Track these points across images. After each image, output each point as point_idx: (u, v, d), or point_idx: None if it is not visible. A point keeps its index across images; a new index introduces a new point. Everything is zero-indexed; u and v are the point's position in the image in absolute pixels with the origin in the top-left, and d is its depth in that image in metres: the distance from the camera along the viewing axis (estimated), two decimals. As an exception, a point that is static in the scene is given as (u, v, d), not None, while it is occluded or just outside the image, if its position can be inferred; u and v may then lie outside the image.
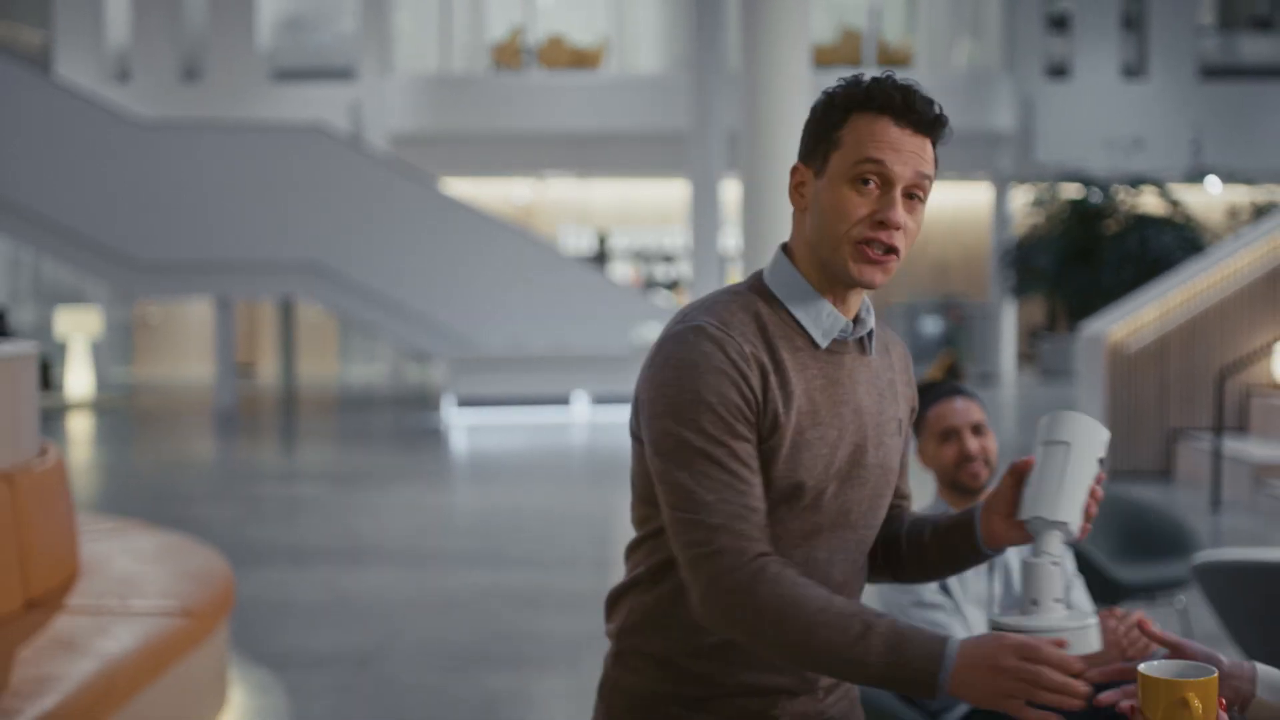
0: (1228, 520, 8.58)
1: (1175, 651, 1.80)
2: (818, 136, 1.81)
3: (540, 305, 15.73)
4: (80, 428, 14.30)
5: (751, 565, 1.70)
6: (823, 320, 1.82)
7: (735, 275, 15.84)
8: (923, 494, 3.84)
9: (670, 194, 21.01)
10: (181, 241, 15.46)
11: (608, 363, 14.80)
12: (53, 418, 14.53)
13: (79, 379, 16.63)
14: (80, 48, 19.77)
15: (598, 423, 14.27)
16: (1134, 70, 21.73)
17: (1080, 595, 3.19)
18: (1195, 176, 19.89)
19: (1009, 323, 20.37)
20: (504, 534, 8.32)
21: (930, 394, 3.20)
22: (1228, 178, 19.54)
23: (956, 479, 3.11)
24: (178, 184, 15.44)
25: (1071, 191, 18.04)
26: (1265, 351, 10.14)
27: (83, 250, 15.37)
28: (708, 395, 1.72)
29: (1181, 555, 5.00)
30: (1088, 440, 1.75)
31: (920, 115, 1.80)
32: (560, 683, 5.23)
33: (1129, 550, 5.18)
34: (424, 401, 16.68)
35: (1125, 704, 1.72)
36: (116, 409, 16.16)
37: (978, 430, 3.15)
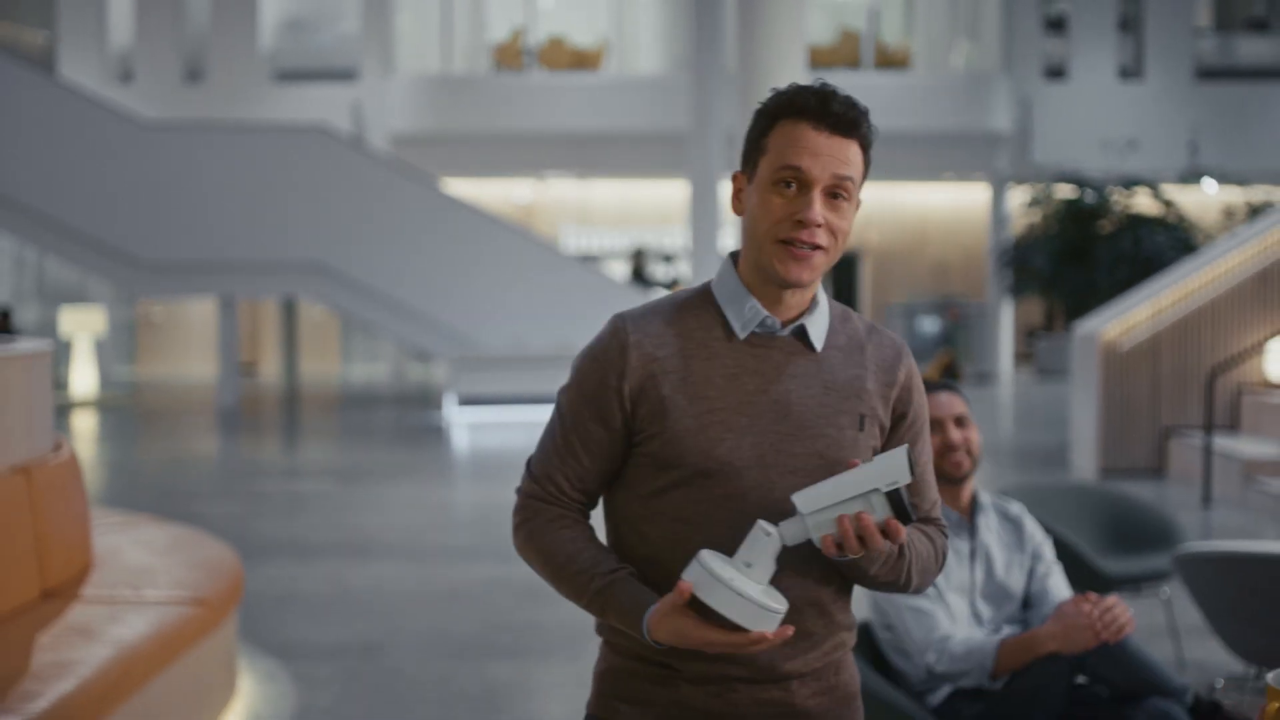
0: (1218, 516, 8.70)
1: None
2: (749, 145, 1.95)
3: (541, 305, 15.84)
4: (85, 425, 14.43)
5: (531, 511, 1.98)
6: (744, 314, 1.93)
7: (734, 275, 15.93)
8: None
9: (670, 194, 21.13)
10: (184, 241, 15.58)
11: (607, 361, 14.88)
12: (57, 415, 14.64)
13: (83, 377, 16.76)
14: (83, 49, 19.89)
15: (597, 421, 14.36)
16: (1131, 71, 21.85)
17: (1059, 582, 3.32)
18: (1192, 177, 20.00)
19: (1006, 322, 20.49)
20: (504, 529, 8.41)
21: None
22: (1224, 179, 19.66)
23: (940, 468, 3.25)
24: (181, 184, 15.56)
25: (1067, 192, 18.15)
26: (1256, 350, 10.26)
27: (86, 250, 15.50)
28: (581, 378, 1.97)
29: (1166, 548, 5.12)
30: (879, 471, 1.78)
31: (838, 117, 1.89)
32: (560, 673, 5.36)
33: (1115, 543, 5.31)
34: (425, 400, 16.80)
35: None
36: (120, 407, 16.29)
37: (960, 422, 3.28)
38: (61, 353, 17.15)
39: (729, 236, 17.71)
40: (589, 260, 18.78)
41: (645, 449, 1.93)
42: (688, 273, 18.22)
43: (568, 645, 5.70)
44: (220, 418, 15.11)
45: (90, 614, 4.03)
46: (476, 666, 5.39)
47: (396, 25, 20.78)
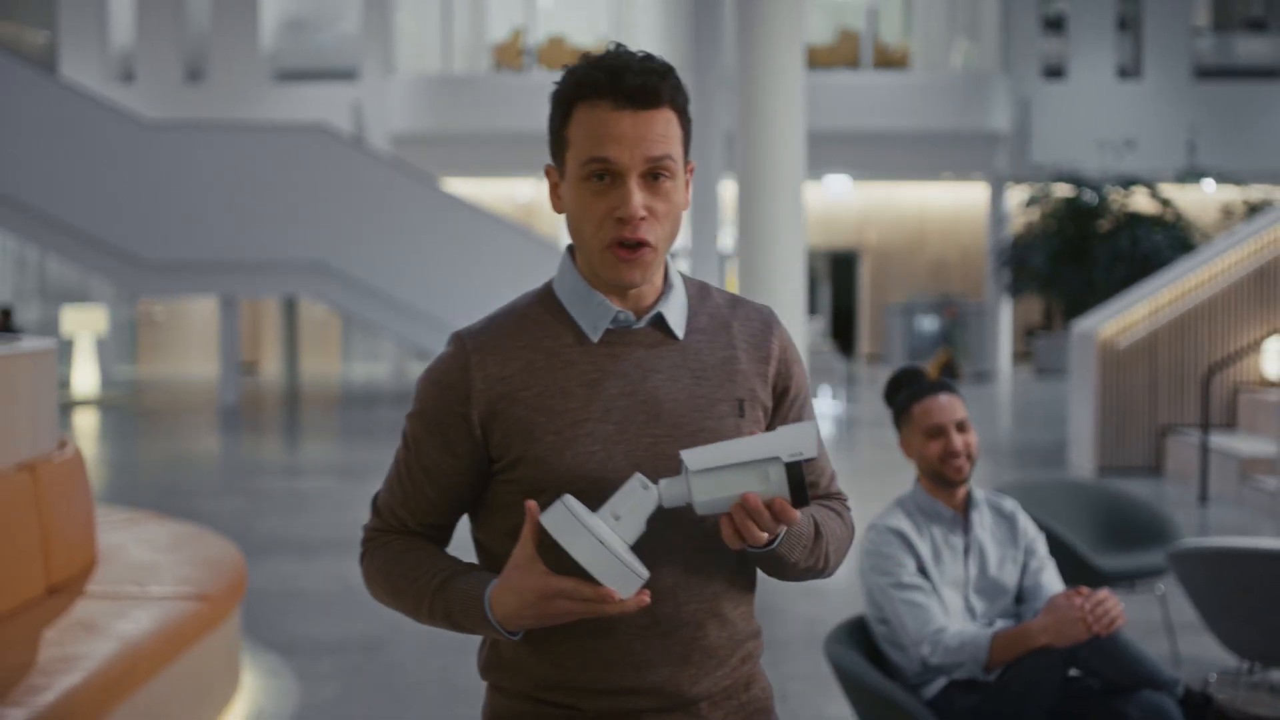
0: (1215, 514, 8.75)
1: None
2: (552, 137, 1.77)
3: (541, 304, 15.86)
4: (86, 424, 14.47)
5: (376, 544, 1.83)
6: (592, 314, 1.75)
7: (734, 274, 15.99)
8: (903, 482, 4.01)
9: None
10: (186, 241, 15.63)
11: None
12: (59, 414, 14.68)
13: (84, 376, 16.81)
14: (84, 49, 19.95)
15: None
16: (1129, 71, 21.91)
17: (1052, 577, 3.36)
18: (1190, 176, 20.05)
19: (1005, 321, 20.54)
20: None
21: (914, 390, 3.36)
22: (1221, 178, 19.71)
23: (941, 473, 3.28)
24: (181, 184, 15.61)
25: (1065, 191, 18.21)
26: (1253, 348, 10.31)
27: (88, 249, 15.54)
28: (423, 404, 1.78)
29: (1161, 545, 5.16)
30: (782, 441, 1.62)
31: (637, 90, 1.67)
32: (560, 668, 5.39)
33: (1111, 540, 5.36)
34: (425, 399, 16.81)
35: None
36: (122, 406, 16.33)
37: (961, 427, 3.31)
38: (63, 352, 17.19)
39: (729, 236, 17.76)
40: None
41: (508, 477, 1.74)
42: (688, 272, 18.23)
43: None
44: (221, 416, 15.16)
45: (95, 610, 4.07)
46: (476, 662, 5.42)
47: (397, 25, 20.82)
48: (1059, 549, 4.78)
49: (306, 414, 15.97)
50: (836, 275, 23.90)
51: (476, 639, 1.94)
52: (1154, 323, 10.46)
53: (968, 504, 3.34)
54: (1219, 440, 9.54)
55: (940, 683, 3.21)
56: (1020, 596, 3.34)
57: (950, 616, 3.24)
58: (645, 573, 1.60)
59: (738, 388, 1.78)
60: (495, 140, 19.81)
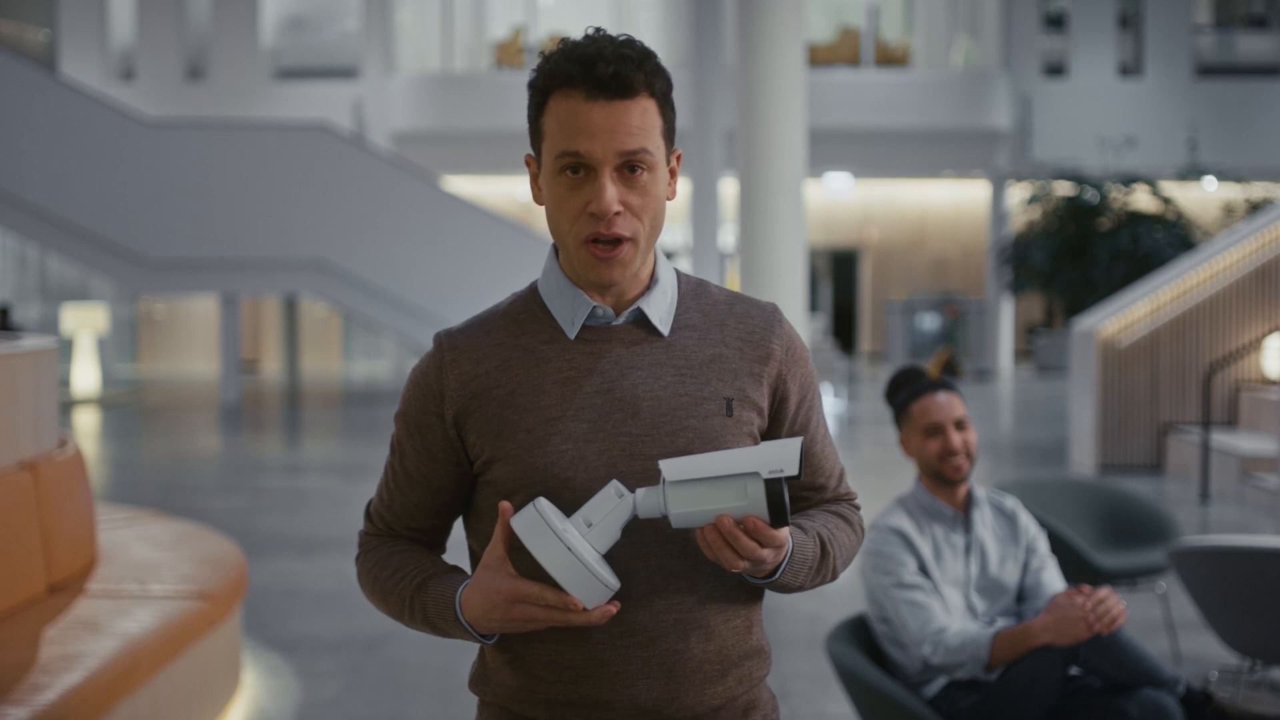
0: (1215, 511, 8.74)
1: None
2: (530, 127, 1.70)
3: (541, 302, 15.87)
4: (87, 423, 14.48)
5: (368, 547, 1.83)
6: (570, 310, 1.70)
7: (734, 272, 16.00)
8: (904, 480, 4.01)
9: (670, 192, 21.15)
10: (186, 239, 15.63)
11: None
12: (60, 413, 14.69)
13: (85, 375, 16.81)
14: (85, 47, 19.95)
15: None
16: (1130, 69, 21.90)
17: (1054, 576, 3.36)
18: (1191, 174, 20.05)
19: (1006, 319, 20.54)
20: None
21: (913, 389, 3.36)
22: (1222, 175, 19.71)
23: (940, 471, 3.28)
24: (183, 182, 15.61)
25: (1066, 189, 18.22)
26: (1254, 346, 10.31)
27: (88, 247, 15.55)
28: (406, 405, 1.75)
29: (1162, 543, 5.16)
30: (763, 456, 1.56)
31: (610, 80, 1.62)
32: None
33: (1112, 538, 5.36)
34: (426, 397, 16.83)
35: None
36: (122, 404, 16.34)
37: (960, 425, 3.31)
38: (64, 350, 17.20)
39: (729, 234, 17.76)
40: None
41: (487, 478, 1.71)
42: (689, 271, 18.25)
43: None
44: (222, 415, 15.16)
45: (96, 608, 4.08)
46: (478, 661, 5.43)
47: (397, 23, 20.82)
48: (1060, 547, 4.78)
49: (307, 412, 15.98)
50: (837, 273, 23.90)
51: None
52: (1155, 321, 10.46)
53: (968, 502, 3.34)
54: (1220, 438, 9.54)
55: (941, 681, 3.22)
56: (1021, 595, 3.34)
57: (951, 615, 3.24)
58: (615, 583, 1.56)
59: (726, 386, 1.70)
60: (496, 138, 19.81)
